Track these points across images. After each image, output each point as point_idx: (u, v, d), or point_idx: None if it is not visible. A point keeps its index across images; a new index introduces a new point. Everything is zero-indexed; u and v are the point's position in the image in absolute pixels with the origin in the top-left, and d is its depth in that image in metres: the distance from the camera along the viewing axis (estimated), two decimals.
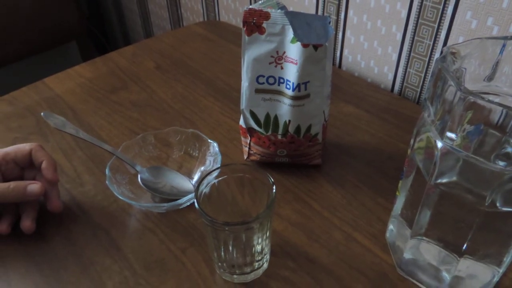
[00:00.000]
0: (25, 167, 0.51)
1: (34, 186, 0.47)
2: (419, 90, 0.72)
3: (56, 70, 0.81)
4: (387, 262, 0.46)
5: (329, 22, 0.48)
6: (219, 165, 0.52)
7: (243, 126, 0.55)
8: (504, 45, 0.36)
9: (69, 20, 1.24)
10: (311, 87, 0.49)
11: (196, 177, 0.55)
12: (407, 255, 0.43)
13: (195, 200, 0.40)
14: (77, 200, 0.53)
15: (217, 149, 0.54)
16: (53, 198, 0.50)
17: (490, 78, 0.38)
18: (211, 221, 0.39)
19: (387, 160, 0.58)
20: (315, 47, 0.46)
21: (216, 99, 0.72)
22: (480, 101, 0.30)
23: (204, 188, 0.43)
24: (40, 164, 0.49)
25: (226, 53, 0.85)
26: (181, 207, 0.51)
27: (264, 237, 0.42)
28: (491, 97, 0.37)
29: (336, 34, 0.80)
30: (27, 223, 0.48)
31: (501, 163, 0.32)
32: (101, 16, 1.58)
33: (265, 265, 0.45)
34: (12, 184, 0.47)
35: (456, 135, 0.33)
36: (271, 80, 0.50)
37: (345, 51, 0.80)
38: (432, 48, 0.67)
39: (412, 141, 0.40)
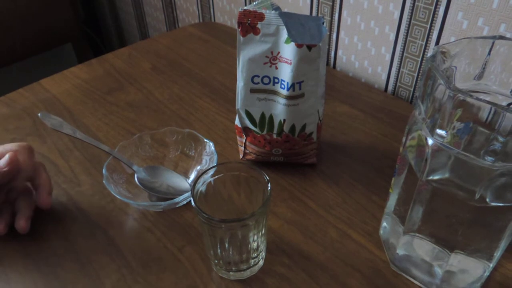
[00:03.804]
0: None
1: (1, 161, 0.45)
2: (412, 89, 0.73)
3: (51, 72, 0.81)
4: (381, 258, 0.47)
5: (323, 23, 0.49)
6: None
7: (239, 125, 0.55)
8: (492, 45, 0.37)
9: (64, 22, 1.24)
10: (306, 86, 0.50)
11: (192, 176, 0.55)
12: (400, 251, 0.44)
13: (191, 198, 0.41)
14: (75, 200, 0.54)
15: (213, 148, 0.54)
16: (43, 194, 0.49)
17: (479, 76, 0.38)
18: (207, 218, 0.39)
19: (381, 158, 0.59)
20: (309, 47, 0.47)
21: (212, 100, 0.72)
22: (469, 99, 0.31)
23: (201, 186, 0.43)
24: (25, 169, 0.48)
25: (222, 54, 0.86)
26: (177, 205, 0.52)
27: (260, 234, 0.42)
28: (480, 96, 0.38)
29: (330, 35, 0.80)
30: (21, 223, 0.48)
31: (490, 158, 0.32)
32: (96, 18, 1.58)
33: (261, 262, 0.46)
34: None
35: (446, 132, 0.34)
36: (266, 80, 0.51)
37: (339, 52, 0.81)
38: (425, 48, 0.68)
39: (404, 139, 0.41)
